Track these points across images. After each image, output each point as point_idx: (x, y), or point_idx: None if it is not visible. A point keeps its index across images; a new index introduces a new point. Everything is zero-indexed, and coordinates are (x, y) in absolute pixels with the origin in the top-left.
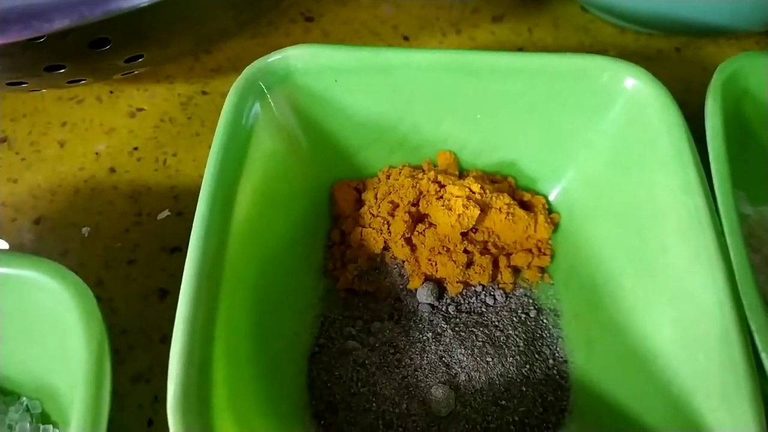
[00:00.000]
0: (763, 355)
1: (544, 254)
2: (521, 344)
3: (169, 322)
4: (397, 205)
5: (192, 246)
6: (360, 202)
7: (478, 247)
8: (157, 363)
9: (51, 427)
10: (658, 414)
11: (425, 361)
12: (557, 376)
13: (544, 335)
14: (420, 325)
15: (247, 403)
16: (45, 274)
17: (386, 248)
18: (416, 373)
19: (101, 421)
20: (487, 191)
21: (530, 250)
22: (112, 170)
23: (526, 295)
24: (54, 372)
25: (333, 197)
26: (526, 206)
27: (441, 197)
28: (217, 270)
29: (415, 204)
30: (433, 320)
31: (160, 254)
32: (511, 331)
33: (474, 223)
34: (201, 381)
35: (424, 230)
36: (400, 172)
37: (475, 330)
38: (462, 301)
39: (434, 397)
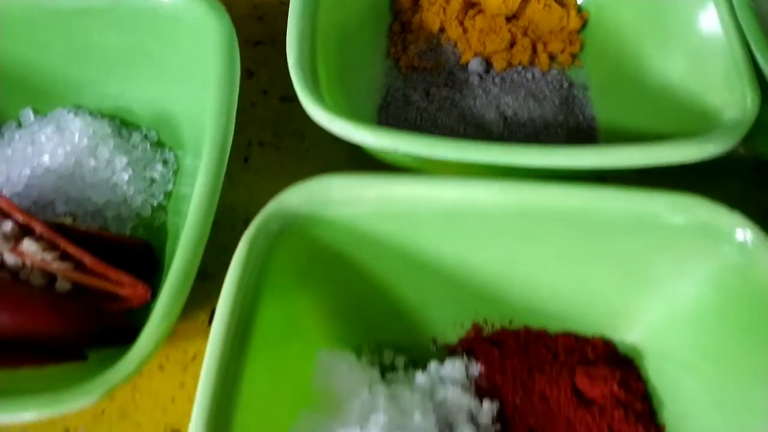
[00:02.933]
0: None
1: (574, 43)
2: (557, 102)
3: None
4: None
5: None
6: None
7: (520, 30)
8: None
9: (167, 149)
10: (672, 123)
11: (478, 104)
12: (585, 125)
13: (575, 100)
14: (472, 89)
15: None
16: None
17: (441, 30)
18: (471, 110)
19: (227, 144)
20: None
21: (563, 41)
22: None
23: (559, 74)
24: (172, 103)
25: None
26: (560, 3)
27: None
28: None
29: None
30: (482, 85)
31: None
32: (548, 93)
33: (516, 7)
34: None
35: (474, 15)
36: None
37: (518, 89)
38: (506, 76)
39: (487, 120)
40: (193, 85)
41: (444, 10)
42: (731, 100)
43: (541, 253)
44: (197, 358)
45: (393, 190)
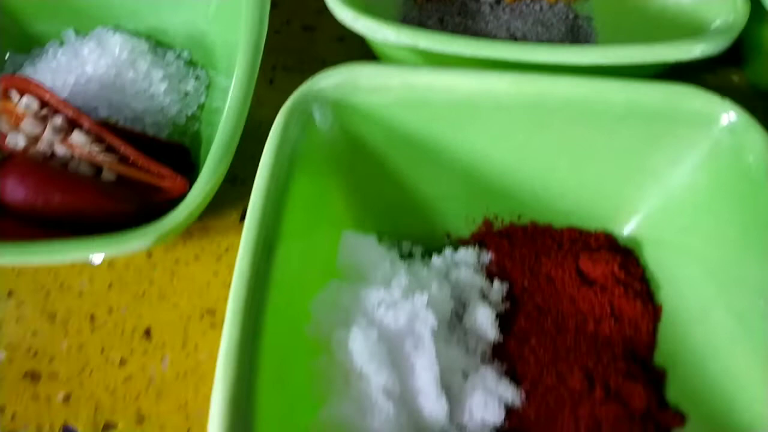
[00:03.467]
0: None
1: None
2: (563, 29)
3: None
4: None
5: None
6: None
7: None
8: None
9: (199, 67)
10: None
11: (489, 27)
12: None
13: (580, 30)
14: (483, 17)
15: None
16: None
17: None
18: (482, 33)
19: (256, 64)
20: None
21: None
22: None
23: (565, 6)
24: (205, 26)
25: None
26: None
27: None
28: None
29: None
30: (493, 13)
31: None
32: (554, 22)
33: None
34: None
35: None
36: None
37: (527, 16)
38: (515, 7)
39: (497, 40)
40: (225, 10)
41: None
42: (724, 10)
43: (548, 147)
44: (230, 250)
45: (416, 79)
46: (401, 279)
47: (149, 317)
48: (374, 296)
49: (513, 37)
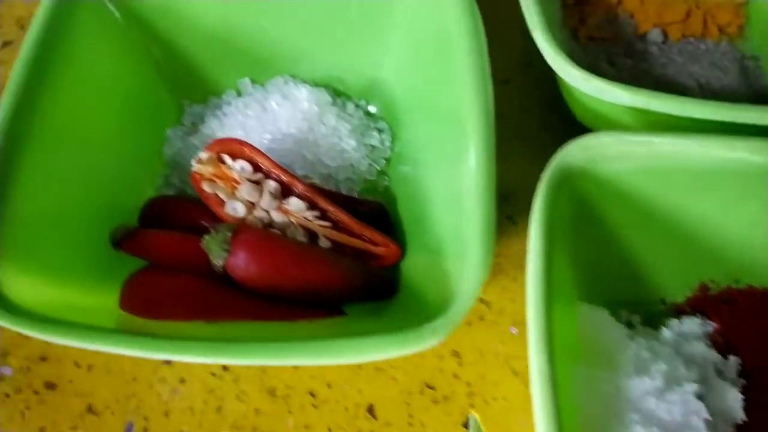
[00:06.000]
0: None
1: (740, 16)
2: (736, 72)
3: None
4: None
5: None
6: None
7: (691, 2)
8: None
9: (378, 118)
10: None
11: (670, 72)
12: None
13: (750, 71)
14: (655, 59)
15: None
16: None
17: (619, 2)
18: (665, 78)
19: (492, 128)
20: None
21: (730, 13)
22: None
23: (729, 46)
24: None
25: None
26: None
27: None
28: None
29: None
30: (664, 55)
31: None
32: (727, 63)
33: None
34: None
35: None
36: None
37: (700, 58)
38: (682, 47)
39: (684, 87)
40: (406, 59)
41: None
42: None
43: None
44: None
45: (660, 146)
46: (660, 366)
47: (369, 393)
48: (638, 386)
49: (698, 84)
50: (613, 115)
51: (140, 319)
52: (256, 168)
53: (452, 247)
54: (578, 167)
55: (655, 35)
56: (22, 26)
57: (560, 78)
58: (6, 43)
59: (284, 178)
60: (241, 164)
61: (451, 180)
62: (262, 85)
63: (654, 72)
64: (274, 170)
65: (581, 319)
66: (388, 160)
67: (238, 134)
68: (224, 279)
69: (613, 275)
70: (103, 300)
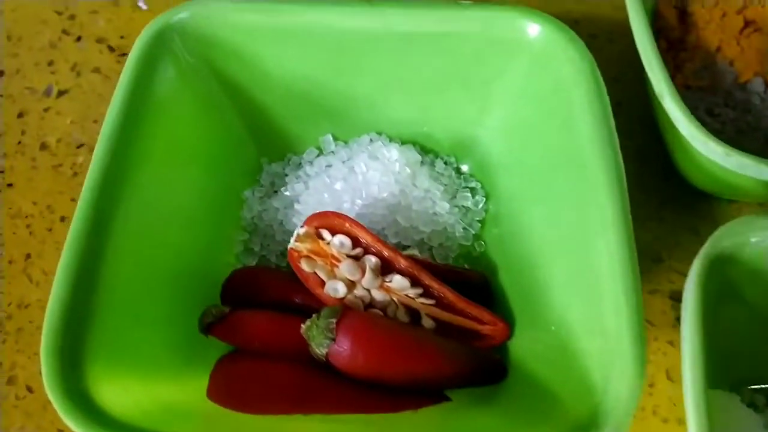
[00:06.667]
0: None
1: None
2: None
3: None
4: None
5: None
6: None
7: None
8: None
9: (470, 176)
10: None
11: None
12: None
13: None
14: (759, 111)
15: None
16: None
17: (718, 49)
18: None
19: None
20: None
21: None
22: None
23: None
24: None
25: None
26: None
27: None
28: None
29: (741, 11)
30: (764, 109)
31: None
32: None
33: None
34: None
35: (749, 34)
36: None
37: None
38: None
39: None
40: (500, 115)
41: (722, 28)
42: None
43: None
44: None
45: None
46: None
47: None
48: None
49: None
50: (746, 185)
51: (231, 412)
52: (356, 242)
53: (586, 336)
54: (728, 253)
55: (757, 84)
56: (78, 73)
57: (677, 140)
58: (61, 93)
59: (386, 253)
60: (340, 239)
61: (576, 254)
62: (345, 142)
63: (762, 125)
64: (374, 245)
65: (713, 407)
66: (482, 222)
67: (324, 198)
68: (323, 366)
69: (742, 355)
70: (188, 390)
